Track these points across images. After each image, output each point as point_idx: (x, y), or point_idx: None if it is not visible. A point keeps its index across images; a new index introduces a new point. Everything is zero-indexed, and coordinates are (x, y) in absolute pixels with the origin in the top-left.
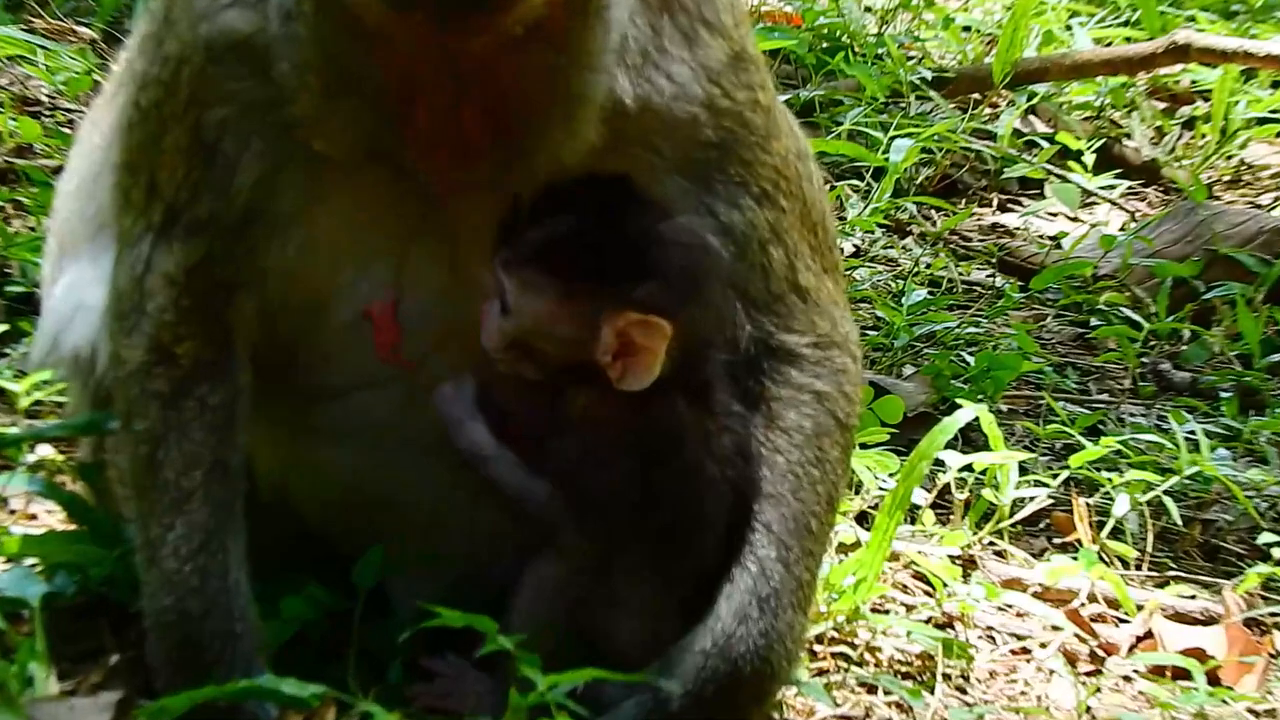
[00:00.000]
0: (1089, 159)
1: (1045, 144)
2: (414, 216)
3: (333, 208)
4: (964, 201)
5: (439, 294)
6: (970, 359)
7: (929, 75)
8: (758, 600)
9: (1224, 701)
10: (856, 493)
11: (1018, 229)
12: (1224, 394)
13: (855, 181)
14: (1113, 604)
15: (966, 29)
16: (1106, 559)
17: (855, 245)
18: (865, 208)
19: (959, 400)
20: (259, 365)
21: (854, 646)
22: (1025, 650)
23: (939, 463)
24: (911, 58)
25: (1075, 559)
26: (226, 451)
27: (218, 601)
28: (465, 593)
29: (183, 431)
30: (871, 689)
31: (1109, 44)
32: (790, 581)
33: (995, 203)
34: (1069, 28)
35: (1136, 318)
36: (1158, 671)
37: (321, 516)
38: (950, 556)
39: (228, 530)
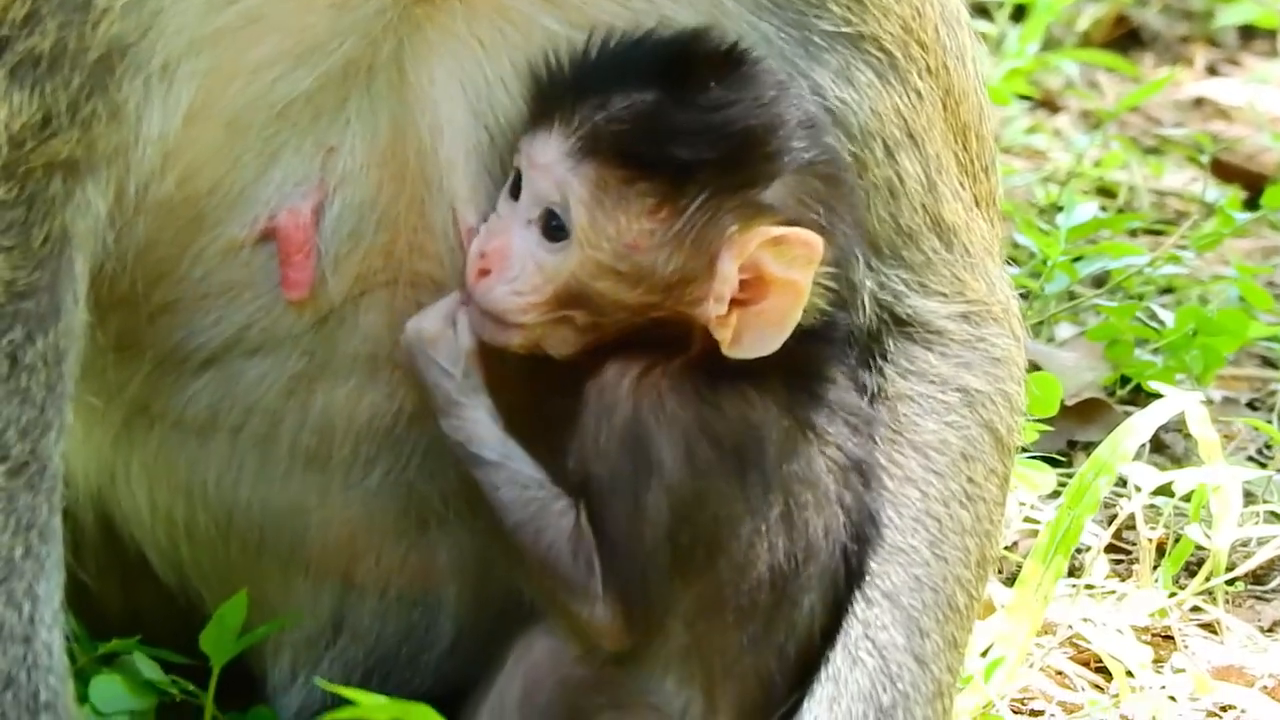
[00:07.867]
0: None
1: None
2: (364, 57)
3: (247, 42)
4: (1153, 61)
5: (384, 190)
6: (1166, 316)
7: None
8: (877, 712)
9: None
10: None
11: (1238, 108)
12: None
13: (982, 25)
14: None
15: None
16: None
17: None
18: (997, 68)
19: (1148, 382)
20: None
21: None
22: None
23: (1119, 482)
24: None
25: None
26: (44, 440)
27: (14, 676)
28: (390, 673)
29: None
30: None
31: None
32: (925, 684)
33: (1202, 64)
34: None
35: None
36: None
37: (164, 550)
38: (1136, 629)
39: (38, 566)
